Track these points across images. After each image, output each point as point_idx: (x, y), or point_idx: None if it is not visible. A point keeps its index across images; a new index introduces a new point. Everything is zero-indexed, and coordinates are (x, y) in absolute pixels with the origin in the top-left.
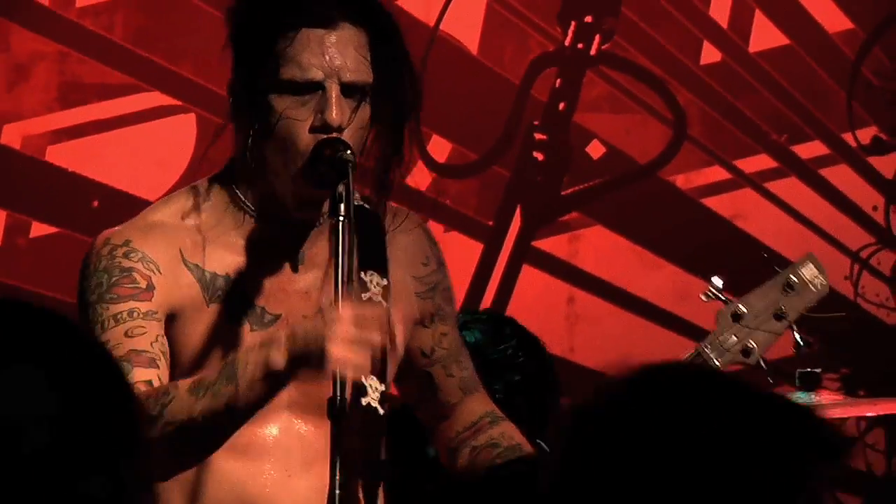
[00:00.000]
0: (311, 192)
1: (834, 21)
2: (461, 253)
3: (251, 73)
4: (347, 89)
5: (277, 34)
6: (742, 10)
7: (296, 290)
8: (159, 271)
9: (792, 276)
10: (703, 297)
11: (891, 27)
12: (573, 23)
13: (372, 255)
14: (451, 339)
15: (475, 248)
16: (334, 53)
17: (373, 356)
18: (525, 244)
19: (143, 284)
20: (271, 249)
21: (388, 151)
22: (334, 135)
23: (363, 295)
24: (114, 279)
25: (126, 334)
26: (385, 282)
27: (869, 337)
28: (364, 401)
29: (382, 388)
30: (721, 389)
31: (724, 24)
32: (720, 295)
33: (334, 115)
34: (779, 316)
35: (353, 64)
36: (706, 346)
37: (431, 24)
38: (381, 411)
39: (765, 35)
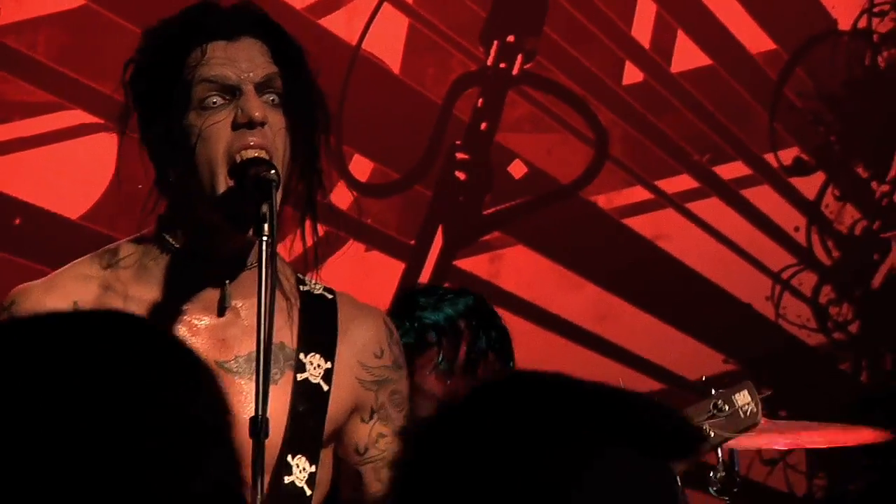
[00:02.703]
0: (240, 206)
1: (757, 42)
2: (383, 272)
3: (165, 105)
4: (260, 89)
5: (183, 58)
6: (664, 30)
7: (213, 335)
8: None
9: (721, 401)
10: None
11: (813, 48)
12: (495, 42)
13: (319, 337)
14: (389, 442)
15: (397, 268)
16: (242, 58)
17: (305, 436)
18: (446, 263)
19: None
20: (193, 293)
21: (307, 170)
22: (256, 151)
23: (298, 376)
24: None
25: None
26: (328, 364)
27: (790, 358)
28: (287, 479)
29: (313, 469)
30: (544, 389)
31: (647, 45)
32: None
33: (253, 107)
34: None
35: (262, 66)
36: None
37: (353, 43)
38: (308, 492)
39: (687, 55)
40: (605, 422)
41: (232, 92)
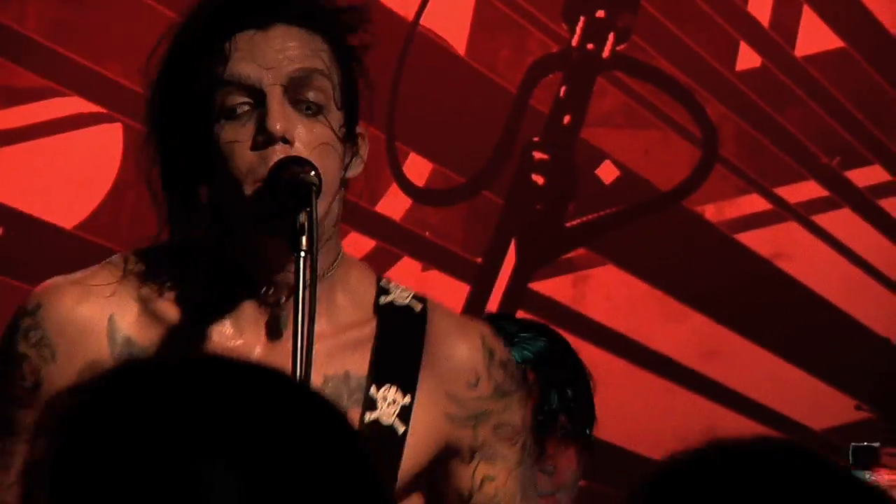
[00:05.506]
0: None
1: None
2: (443, 295)
3: (189, 112)
4: (294, 95)
5: (208, 53)
6: (787, 6)
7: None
8: (53, 359)
9: None
10: None
11: None
12: (582, 19)
13: (397, 365)
14: (498, 486)
15: (461, 290)
16: (271, 51)
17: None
18: (521, 286)
19: (29, 382)
20: (242, 319)
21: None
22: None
23: (368, 414)
24: (3, 368)
25: None
26: (407, 399)
27: None
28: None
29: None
30: (803, 468)
31: (766, 23)
32: None
33: (274, 119)
34: None
35: (294, 60)
36: None
37: (410, 18)
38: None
39: (814, 36)
40: None
41: (257, 96)
